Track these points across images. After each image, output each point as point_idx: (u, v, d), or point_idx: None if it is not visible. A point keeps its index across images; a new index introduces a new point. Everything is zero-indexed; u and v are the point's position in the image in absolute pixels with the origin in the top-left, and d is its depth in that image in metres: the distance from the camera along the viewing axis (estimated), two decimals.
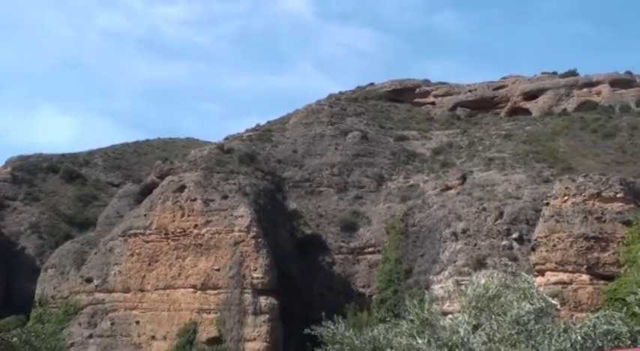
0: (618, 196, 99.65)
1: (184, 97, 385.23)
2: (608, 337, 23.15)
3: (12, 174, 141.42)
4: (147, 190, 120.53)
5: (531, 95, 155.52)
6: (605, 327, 24.14)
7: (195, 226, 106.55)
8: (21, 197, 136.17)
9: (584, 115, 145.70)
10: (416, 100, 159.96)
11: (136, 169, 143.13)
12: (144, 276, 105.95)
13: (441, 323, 25.12)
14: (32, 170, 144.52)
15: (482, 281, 26.32)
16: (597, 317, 25.88)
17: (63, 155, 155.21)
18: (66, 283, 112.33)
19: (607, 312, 28.76)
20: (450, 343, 22.45)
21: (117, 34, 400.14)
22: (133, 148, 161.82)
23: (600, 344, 21.49)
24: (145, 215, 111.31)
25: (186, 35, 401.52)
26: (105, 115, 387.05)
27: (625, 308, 27.21)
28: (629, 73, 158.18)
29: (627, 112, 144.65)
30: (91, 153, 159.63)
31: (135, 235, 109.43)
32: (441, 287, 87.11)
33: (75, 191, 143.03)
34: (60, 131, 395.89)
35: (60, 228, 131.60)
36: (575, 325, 25.07)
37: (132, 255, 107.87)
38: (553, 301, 26.59)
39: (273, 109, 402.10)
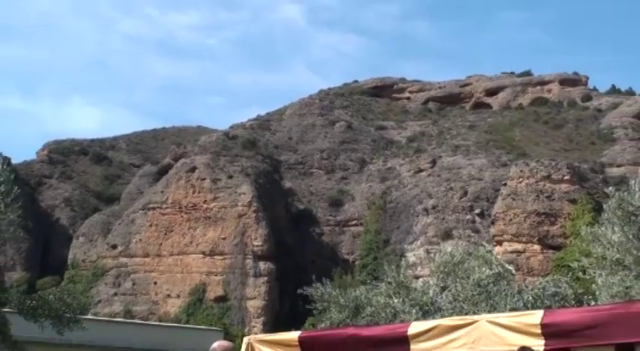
0: (565, 178, 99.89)
1: (194, 91, 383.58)
2: (556, 298, 23.23)
3: (48, 156, 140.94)
4: (163, 171, 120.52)
5: (492, 92, 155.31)
6: (553, 289, 24.31)
7: (205, 201, 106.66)
8: (56, 176, 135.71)
9: (536, 109, 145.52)
10: (393, 95, 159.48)
11: (154, 152, 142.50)
12: (160, 243, 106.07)
13: (414, 285, 25.24)
14: (65, 153, 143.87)
15: (449, 249, 26.44)
16: (546, 281, 26.10)
17: (92, 140, 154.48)
18: (94, 249, 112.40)
19: (555, 277, 29.03)
20: (421, 303, 22.44)
21: (137, 37, 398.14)
22: (151, 135, 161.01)
23: (548, 304, 21.49)
24: (161, 192, 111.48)
25: (196, 39, 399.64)
26: (127, 107, 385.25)
27: (570, 274, 27.32)
28: (575, 73, 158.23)
29: (574, 107, 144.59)
30: (115, 138, 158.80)
31: (153, 208, 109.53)
32: (414, 255, 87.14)
33: (102, 171, 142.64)
34: (89, 120, 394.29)
35: (89, 202, 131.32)
36: (527, 287, 25.28)
37: (150, 225, 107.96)
38: (509, 267, 26.78)
39: (270, 102, 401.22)
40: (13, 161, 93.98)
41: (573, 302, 22.51)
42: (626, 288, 15.81)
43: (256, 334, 18.76)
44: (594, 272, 17.60)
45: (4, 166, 15.79)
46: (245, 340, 11.62)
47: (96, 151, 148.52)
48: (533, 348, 7.41)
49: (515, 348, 7.57)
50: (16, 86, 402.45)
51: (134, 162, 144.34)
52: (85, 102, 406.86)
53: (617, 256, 16.04)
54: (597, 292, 17.69)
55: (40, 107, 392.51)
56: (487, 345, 8.57)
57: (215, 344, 9.44)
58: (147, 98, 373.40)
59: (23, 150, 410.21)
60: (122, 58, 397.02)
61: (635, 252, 15.72)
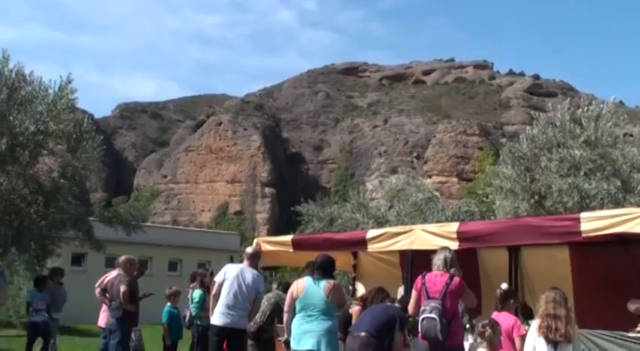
0: (476, 133, 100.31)
1: (220, 69, 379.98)
2: (467, 214, 23.44)
3: (120, 113, 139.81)
4: (199, 124, 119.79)
5: (427, 73, 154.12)
6: (466, 208, 24.48)
7: (228, 145, 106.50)
8: (125, 127, 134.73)
9: (457, 85, 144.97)
10: (359, 74, 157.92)
11: (193, 111, 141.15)
12: (197, 175, 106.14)
13: (371, 205, 25.33)
14: (131, 111, 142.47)
15: (394, 181, 26.62)
16: (461, 203, 26.37)
17: (149, 103, 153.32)
18: (151, 178, 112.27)
19: (467, 200, 29.29)
20: (375, 217, 22.56)
21: (178, 30, 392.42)
22: (190, 99, 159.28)
23: (462, 218, 21.57)
24: (198, 139, 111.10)
25: (220, 33, 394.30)
26: (173, 80, 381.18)
27: (477, 198, 27.48)
28: (485, 60, 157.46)
29: (483, 84, 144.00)
30: (165, 102, 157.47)
31: (192, 150, 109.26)
32: (371, 184, 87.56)
33: (157, 124, 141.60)
34: (147, 88, 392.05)
35: (148, 145, 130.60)
36: (448, 207, 25.44)
37: (190, 162, 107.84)
38: (435, 193, 26.84)
39: (273, 78, 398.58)
40: (95, 117, 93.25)
41: (479, 217, 22.62)
42: (515, 208, 15.92)
43: (263, 237, 19.00)
44: (494, 197, 17.71)
45: (89, 120, 15.70)
46: (255, 240, 11.71)
47: (152, 111, 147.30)
48: (451, 248, 7.46)
49: (438, 248, 7.62)
50: (94, 65, 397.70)
51: (179, 118, 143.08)
52: (143, 76, 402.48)
53: (510, 186, 16.13)
54: (496, 211, 17.81)
55: (111, 80, 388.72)
56: (420, 246, 8.65)
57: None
58: (187, 74, 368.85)
59: (102, 109, 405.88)
60: (169, 45, 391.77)
61: (521, 183, 15.81)
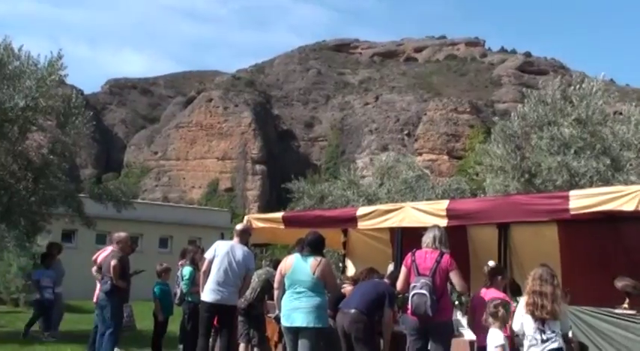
0: (467, 110, 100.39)
1: (211, 45, 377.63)
2: (457, 192, 23.55)
3: (110, 89, 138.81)
4: (190, 101, 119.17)
5: (418, 50, 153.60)
6: (456, 186, 24.54)
7: (218, 122, 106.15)
8: (115, 103, 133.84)
9: (448, 63, 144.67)
10: (350, 51, 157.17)
11: (183, 87, 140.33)
12: (187, 151, 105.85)
13: (361, 182, 25.36)
14: (121, 87, 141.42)
15: (384, 158, 26.64)
16: (451, 181, 26.44)
17: (139, 78, 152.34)
18: (142, 154, 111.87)
19: (457, 178, 29.36)
20: (365, 194, 22.62)
21: (169, 6, 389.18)
22: (181, 75, 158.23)
23: (452, 196, 21.64)
24: (188, 115, 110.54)
25: (212, 8, 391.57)
26: (164, 55, 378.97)
27: (468, 176, 27.56)
28: (476, 38, 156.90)
29: (474, 61, 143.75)
30: (156, 77, 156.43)
31: (182, 127, 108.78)
32: (362, 161, 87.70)
33: (147, 100, 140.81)
34: (137, 64, 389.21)
35: (138, 122, 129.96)
36: (438, 185, 25.51)
37: (180, 138, 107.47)
38: (426, 171, 27.05)
39: (264, 54, 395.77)
40: (84, 93, 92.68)
41: (469, 195, 22.70)
42: (506, 186, 15.99)
43: (253, 214, 18.90)
44: (484, 175, 17.76)
45: (78, 95, 15.63)
46: (246, 217, 11.74)
47: (142, 87, 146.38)
48: (440, 225, 7.51)
49: (428, 225, 7.66)
50: (83, 39, 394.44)
51: (169, 94, 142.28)
52: (134, 51, 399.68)
53: (500, 164, 16.18)
54: (486, 189, 17.88)
55: (101, 55, 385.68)
56: (409, 223, 8.69)
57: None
58: (178, 49, 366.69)
59: (91, 85, 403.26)
60: (160, 20, 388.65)
61: (512, 161, 15.86)
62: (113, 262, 9.08)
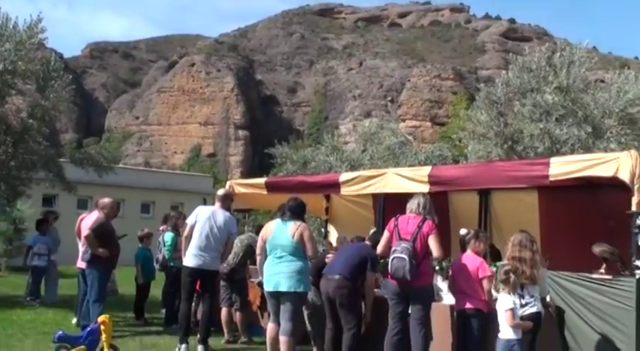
0: (450, 77, 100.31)
1: (194, 9, 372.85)
2: (439, 159, 23.60)
3: (90, 53, 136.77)
4: (172, 65, 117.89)
5: (402, 15, 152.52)
6: (438, 152, 24.59)
7: (201, 87, 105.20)
8: (95, 67, 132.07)
9: (433, 29, 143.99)
10: (334, 15, 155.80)
11: (165, 52, 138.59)
12: (169, 116, 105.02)
13: (344, 148, 25.39)
14: (102, 51, 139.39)
15: (367, 124, 26.63)
16: (434, 147, 26.49)
17: (121, 42, 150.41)
18: (123, 119, 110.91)
19: (440, 144, 29.43)
20: (348, 160, 22.65)
21: None
22: (163, 39, 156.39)
23: (435, 162, 21.67)
24: (170, 80, 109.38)
25: None
26: (146, 19, 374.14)
27: (450, 142, 27.64)
28: (461, 3, 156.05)
29: (459, 27, 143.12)
30: (137, 41, 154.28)
31: (164, 91, 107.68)
32: (345, 127, 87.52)
33: (128, 64, 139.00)
34: (118, 27, 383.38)
35: (119, 86, 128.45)
36: (421, 151, 25.55)
37: (162, 103, 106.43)
38: (409, 138, 27.08)
39: (247, 19, 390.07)
40: (64, 56, 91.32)
41: (452, 161, 22.75)
42: (488, 153, 16.08)
43: (236, 179, 18.98)
44: (467, 141, 17.83)
45: (57, 59, 15.43)
46: (228, 183, 11.75)
47: (124, 50, 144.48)
48: (423, 191, 7.56)
49: (411, 191, 7.70)
50: (63, 1, 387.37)
51: (151, 58, 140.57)
52: (114, 15, 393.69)
53: (483, 130, 16.24)
54: (468, 155, 17.96)
55: (80, 17, 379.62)
56: (392, 189, 8.73)
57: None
58: (161, 13, 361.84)
59: (71, 48, 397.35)
60: None
61: (495, 128, 15.93)
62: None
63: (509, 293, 6.05)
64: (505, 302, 6.01)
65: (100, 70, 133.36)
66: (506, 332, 5.99)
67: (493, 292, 6.51)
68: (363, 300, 7.56)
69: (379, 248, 7.10)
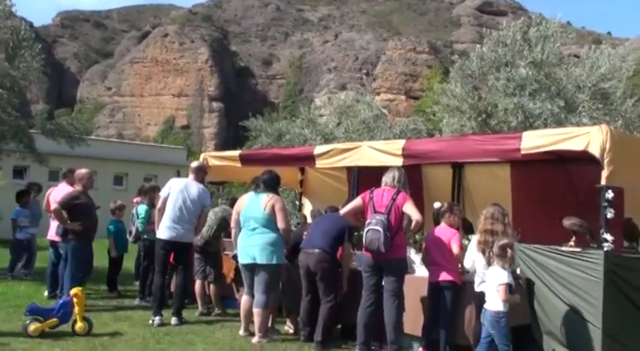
0: (425, 50, 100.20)
1: None
2: (414, 132, 23.60)
3: (61, 22, 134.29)
4: (145, 35, 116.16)
5: None
6: (412, 126, 24.61)
7: (174, 58, 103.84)
8: (66, 36, 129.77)
9: (409, 1, 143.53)
10: None
11: (138, 21, 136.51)
12: (143, 87, 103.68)
13: (319, 121, 25.33)
14: (73, 20, 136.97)
15: (343, 97, 26.58)
16: (409, 121, 26.56)
17: (92, 11, 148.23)
18: (95, 90, 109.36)
19: (414, 118, 29.52)
20: (323, 133, 22.59)
21: None
22: (135, 9, 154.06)
23: (409, 136, 21.70)
24: (143, 50, 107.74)
25: None
26: None
27: (424, 116, 27.73)
28: None
29: (435, 1, 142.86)
30: (109, 10, 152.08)
31: (137, 62, 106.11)
32: (320, 100, 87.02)
33: (100, 34, 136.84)
34: None
35: (91, 56, 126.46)
36: (395, 125, 25.61)
37: (135, 74, 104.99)
38: (384, 111, 27.00)
39: None
40: (34, 25, 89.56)
41: (426, 135, 22.79)
42: (462, 126, 16.16)
43: (210, 151, 18.84)
44: (441, 115, 17.90)
45: (27, 28, 15.13)
46: (202, 155, 11.71)
47: (95, 19, 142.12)
48: (397, 164, 7.60)
49: (385, 164, 7.73)
50: None
51: (123, 28, 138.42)
52: None
53: (457, 104, 16.30)
54: (442, 129, 18.05)
55: None
56: (366, 162, 8.76)
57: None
58: None
59: (41, 17, 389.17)
60: None
61: (469, 101, 15.99)
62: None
63: (504, 268, 6.02)
64: (500, 276, 5.95)
65: (71, 39, 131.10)
66: (495, 304, 5.96)
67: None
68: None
69: (343, 210, 7.10)
